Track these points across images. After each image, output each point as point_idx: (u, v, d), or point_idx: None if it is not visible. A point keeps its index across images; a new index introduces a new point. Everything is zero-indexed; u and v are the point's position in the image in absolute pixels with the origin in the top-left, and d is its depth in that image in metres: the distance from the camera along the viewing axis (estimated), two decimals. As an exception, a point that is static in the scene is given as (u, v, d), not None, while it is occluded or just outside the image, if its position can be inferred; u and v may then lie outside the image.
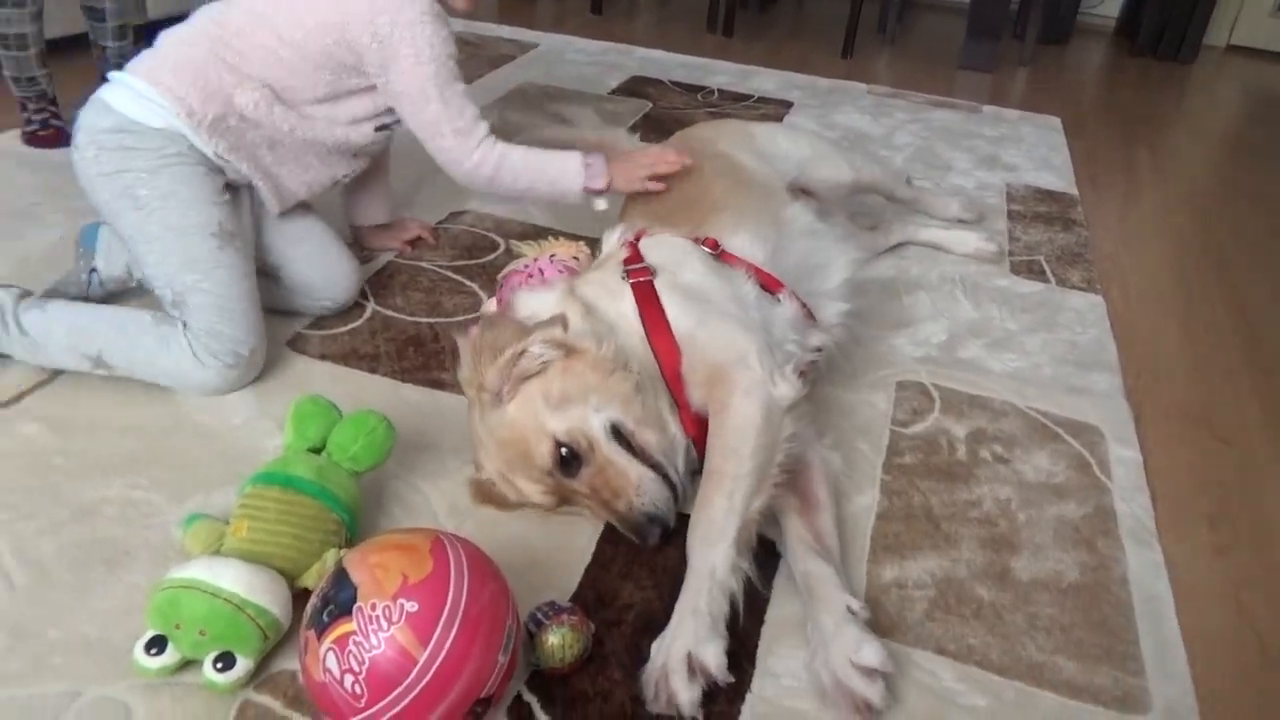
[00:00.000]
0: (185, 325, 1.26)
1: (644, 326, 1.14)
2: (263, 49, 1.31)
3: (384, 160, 1.65)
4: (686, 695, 0.86)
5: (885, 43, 3.55)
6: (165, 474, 1.14)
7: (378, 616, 0.76)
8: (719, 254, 1.26)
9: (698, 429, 1.10)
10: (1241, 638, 1.07)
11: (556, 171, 1.45)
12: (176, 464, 1.16)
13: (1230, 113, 3.23)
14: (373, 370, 1.37)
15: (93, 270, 1.43)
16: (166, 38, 1.35)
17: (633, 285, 1.17)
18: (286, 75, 1.33)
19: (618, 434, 1.06)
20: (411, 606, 0.77)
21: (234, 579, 0.89)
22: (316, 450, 1.06)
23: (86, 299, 1.41)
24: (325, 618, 0.78)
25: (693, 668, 0.87)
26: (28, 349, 1.26)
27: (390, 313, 1.51)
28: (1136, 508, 1.23)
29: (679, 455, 1.10)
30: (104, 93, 1.31)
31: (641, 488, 1.04)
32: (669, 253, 1.22)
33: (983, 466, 1.27)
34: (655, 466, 1.06)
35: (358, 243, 1.68)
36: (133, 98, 1.28)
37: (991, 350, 1.55)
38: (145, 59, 1.33)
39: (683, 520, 1.04)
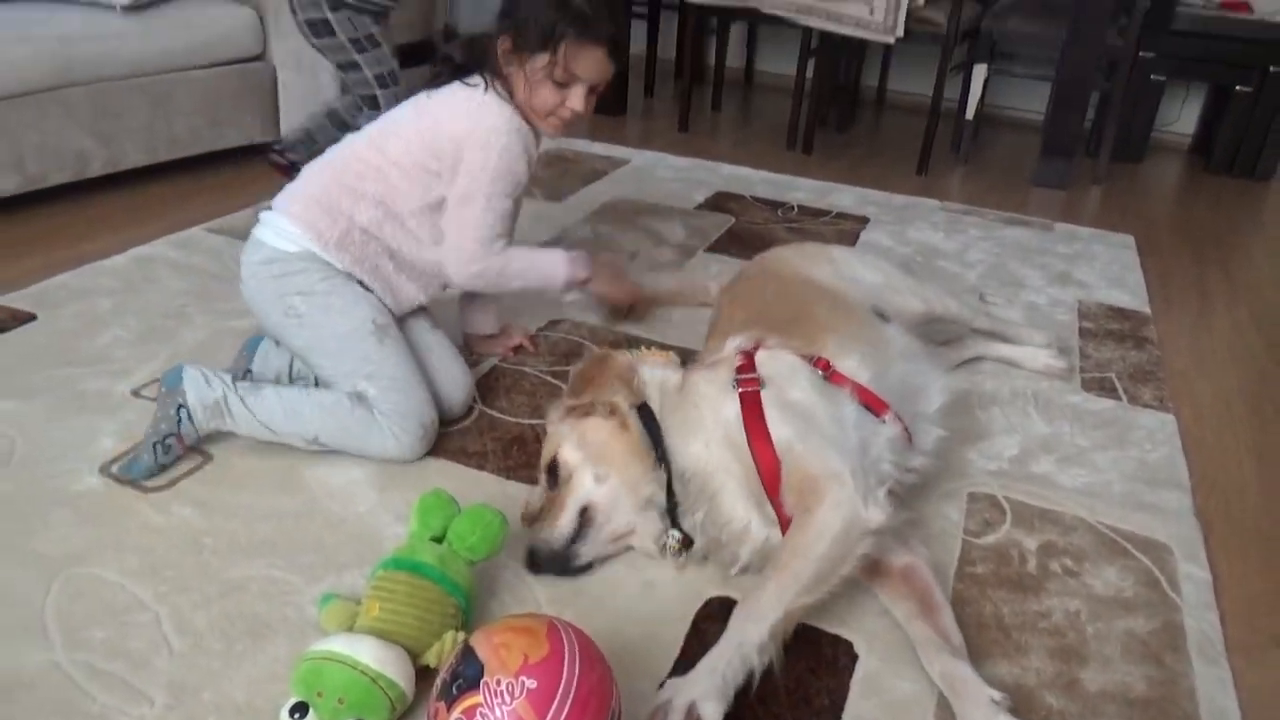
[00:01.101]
0: (376, 410, 1.45)
1: (746, 433, 1.24)
2: (374, 169, 1.53)
3: None
4: None
5: (960, 160, 3.68)
6: (300, 556, 1.28)
7: (502, 691, 0.87)
8: (829, 374, 1.35)
9: None
10: (1310, 759, 1.10)
11: (548, 266, 1.67)
12: (310, 547, 1.30)
13: (1308, 231, 3.26)
14: (480, 467, 1.50)
15: (248, 371, 1.60)
16: (304, 170, 1.58)
17: (741, 394, 1.28)
18: (390, 191, 1.54)
19: (586, 511, 1.27)
20: (531, 684, 0.87)
21: (370, 653, 1.01)
22: (438, 539, 1.18)
23: None
24: (454, 690, 0.89)
25: (690, 716, 0.99)
26: (253, 428, 1.43)
27: (496, 414, 1.65)
28: (1205, 625, 1.27)
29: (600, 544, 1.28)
30: (256, 230, 1.54)
31: (557, 531, 1.25)
32: (780, 368, 1.33)
33: (1053, 579, 1.33)
34: (578, 537, 1.26)
35: (466, 347, 1.84)
36: (274, 232, 1.51)
37: (1062, 465, 1.61)
38: (283, 192, 1.56)
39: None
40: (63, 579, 1.21)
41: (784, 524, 1.21)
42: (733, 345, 1.41)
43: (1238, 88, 3.71)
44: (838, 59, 3.95)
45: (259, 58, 2.82)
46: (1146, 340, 2.14)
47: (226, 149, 2.81)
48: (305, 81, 2.89)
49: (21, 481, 1.38)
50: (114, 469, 1.41)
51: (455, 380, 1.62)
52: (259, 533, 1.32)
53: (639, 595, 1.25)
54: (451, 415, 1.61)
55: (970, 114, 3.60)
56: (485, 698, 0.87)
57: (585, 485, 1.28)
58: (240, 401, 1.42)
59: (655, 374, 1.37)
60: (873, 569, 1.21)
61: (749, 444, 1.23)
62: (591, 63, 1.51)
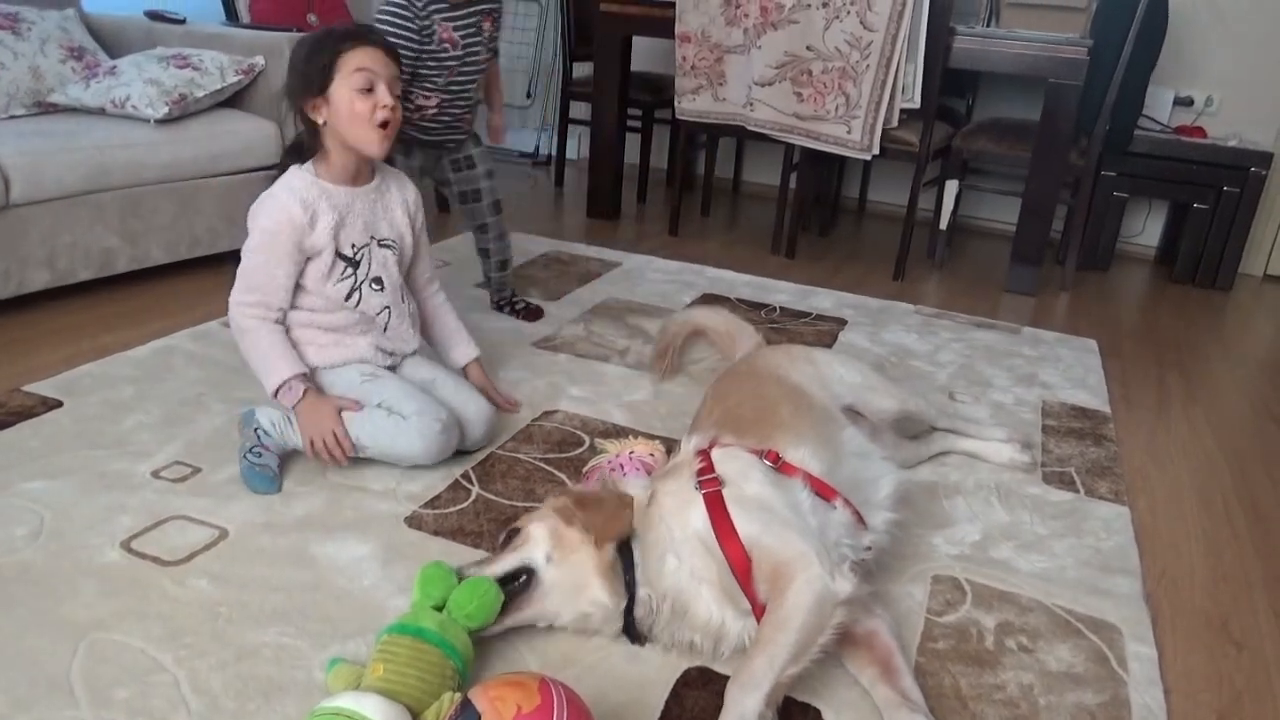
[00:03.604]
0: (404, 416, 1.76)
1: (715, 533, 1.34)
2: None
3: (439, 316, 2.11)
4: None
5: (934, 267, 3.88)
6: (309, 624, 1.37)
7: (497, 738, 0.97)
8: (779, 465, 1.47)
9: None
10: (1242, 821, 1.18)
11: (268, 367, 1.76)
12: (317, 617, 1.39)
13: (1263, 340, 3.43)
14: (476, 545, 1.61)
15: (257, 430, 1.76)
16: None
17: (705, 495, 1.38)
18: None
19: (527, 576, 1.35)
20: (523, 731, 0.97)
21: (374, 709, 1.10)
22: (438, 608, 1.28)
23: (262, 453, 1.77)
24: (454, 738, 0.99)
25: None
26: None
27: (492, 496, 1.77)
28: (1150, 700, 1.37)
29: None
30: None
31: (489, 569, 1.35)
32: (735, 465, 1.44)
33: (1008, 655, 1.44)
34: (510, 605, 1.33)
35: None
36: None
37: (1021, 552, 1.73)
38: None
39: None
40: (88, 643, 1.30)
41: (758, 611, 1.31)
42: (689, 446, 1.53)
43: (1195, 205, 3.95)
44: (820, 171, 4.20)
45: (276, 165, 3.01)
46: (1105, 438, 2.28)
47: (238, 249, 2.98)
48: (319, 187, 3.09)
49: (50, 553, 1.49)
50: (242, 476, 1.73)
51: (473, 413, 1.90)
52: (271, 603, 1.41)
53: (625, 662, 1.35)
54: (474, 444, 1.91)
55: (943, 225, 3.81)
56: (482, 744, 0.97)
57: (534, 555, 1.36)
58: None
59: (638, 495, 1.43)
60: (840, 636, 1.31)
61: (719, 543, 1.33)
62: (368, 58, 1.72)
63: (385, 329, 1.90)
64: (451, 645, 1.22)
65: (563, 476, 1.86)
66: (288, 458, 1.80)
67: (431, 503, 1.73)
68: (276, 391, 1.75)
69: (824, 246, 4.10)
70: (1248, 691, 1.44)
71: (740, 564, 1.31)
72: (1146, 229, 4.47)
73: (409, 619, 1.25)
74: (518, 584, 1.34)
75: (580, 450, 1.99)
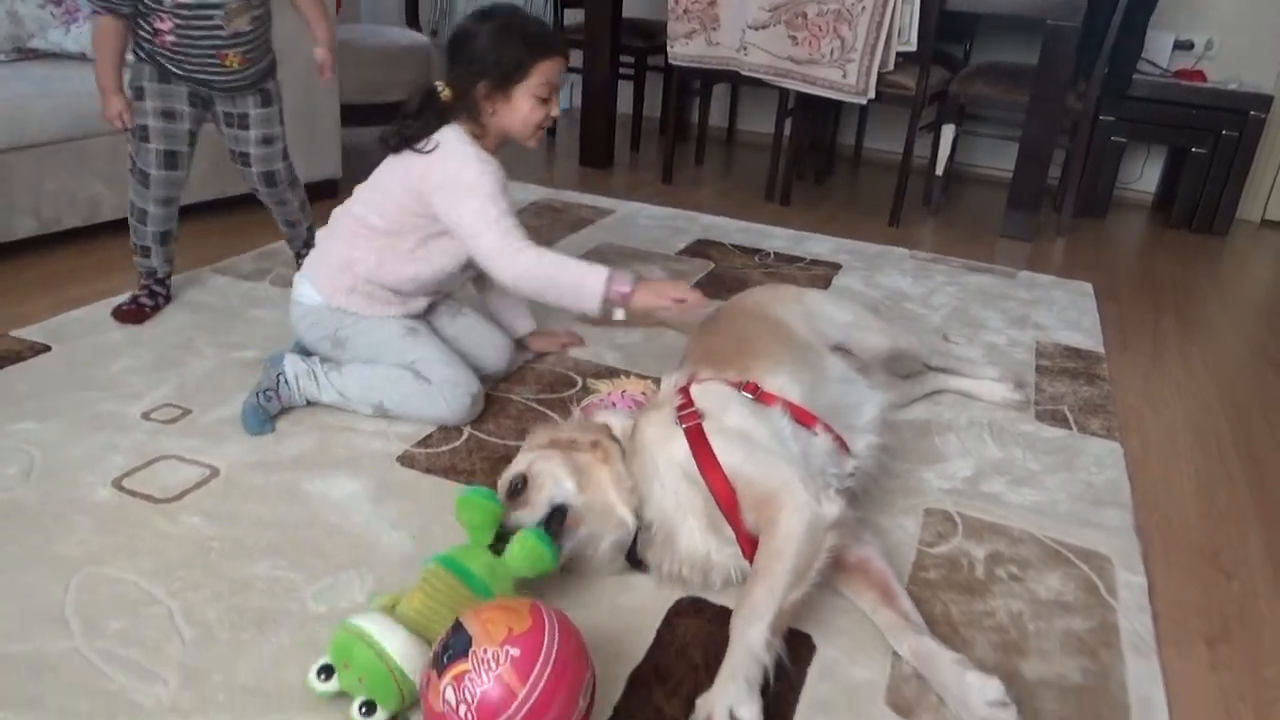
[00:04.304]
0: (430, 381, 1.75)
1: (698, 465, 1.34)
2: (363, 226, 1.77)
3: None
4: None
5: (930, 213, 3.85)
6: (301, 558, 1.38)
7: (488, 659, 0.97)
8: (758, 395, 1.46)
9: (753, 548, 1.31)
10: (1228, 740, 1.20)
11: (582, 273, 1.72)
12: (310, 551, 1.40)
13: (1261, 284, 3.42)
14: (468, 483, 1.61)
15: (279, 377, 1.75)
16: (319, 236, 1.85)
17: (685, 429, 1.38)
18: (383, 240, 1.75)
19: (561, 513, 1.31)
20: (515, 652, 0.97)
21: (397, 647, 1.08)
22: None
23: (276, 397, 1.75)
24: (445, 660, 0.99)
25: None
26: (332, 396, 1.77)
27: (484, 436, 1.77)
28: (1138, 625, 1.38)
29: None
30: (293, 290, 1.85)
31: (531, 514, 1.29)
32: (714, 399, 1.43)
33: (998, 583, 1.44)
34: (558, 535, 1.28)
35: (525, 348, 2.13)
36: (305, 292, 1.82)
37: (1013, 486, 1.73)
38: (308, 260, 1.85)
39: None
40: (81, 577, 1.30)
41: (745, 542, 1.31)
42: (669, 383, 1.52)
43: (1193, 149, 3.92)
44: (815, 117, 4.15)
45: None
46: (1099, 377, 2.27)
47: (229, 197, 2.94)
48: (306, 129, 3.04)
49: (41, 492, 1.49)
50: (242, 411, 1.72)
51: (495, 345, 1.97)
52: (264, 539, 1.42)
53: (618, 593, 1.36)
54: (497, 374, 1.98)
55: (940, 170, 3.78)
56: (473, 665, 0.97)
57: (564, 489, 1.32)
58: (324, 374, 1.76)
59: (619, 424, 1.46)
60: (834, 565, 1.31)
61: (702, 474, 1.33)
62: (557, 71, 1.75)
63: (459, 286, 1.95)
64: (494, 595, 1.18)
65: (555, 416, 1.86)
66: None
67: (423, 442, 1.72)
68: (605, 291, 1.69)
69: (819, 194, 4.06)
70: (1237, 619, 1.45)
71: (724, 495, 1.31)
72: (1144, 174, 4.43)
73: (460, 556, 1.21)
74: (556, 525, 1.30)
75: (573, 391, 1.98)
